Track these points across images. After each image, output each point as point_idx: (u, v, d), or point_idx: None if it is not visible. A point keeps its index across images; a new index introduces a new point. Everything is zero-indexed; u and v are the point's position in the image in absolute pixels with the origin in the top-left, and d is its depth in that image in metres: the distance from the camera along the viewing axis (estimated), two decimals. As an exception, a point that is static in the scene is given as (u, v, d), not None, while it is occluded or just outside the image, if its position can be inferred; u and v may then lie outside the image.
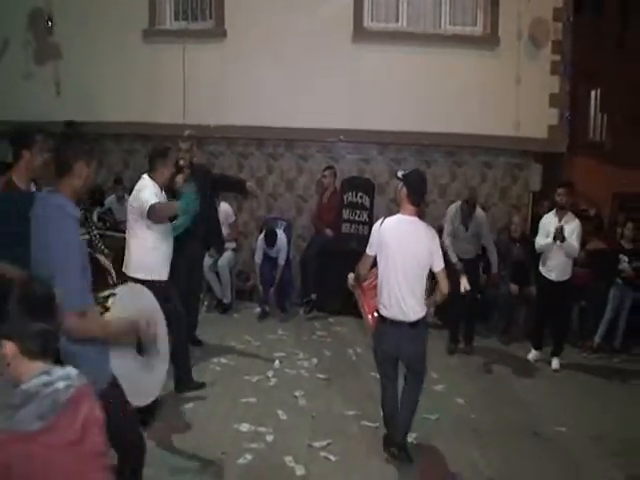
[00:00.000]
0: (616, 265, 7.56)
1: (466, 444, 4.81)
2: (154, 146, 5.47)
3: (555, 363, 6.91)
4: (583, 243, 8.13)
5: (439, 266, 4.34)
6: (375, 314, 4.55)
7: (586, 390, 6.32)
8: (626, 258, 7.53)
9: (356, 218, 8.37)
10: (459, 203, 7.24)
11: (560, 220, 6.72)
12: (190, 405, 5.23)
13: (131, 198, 5.01)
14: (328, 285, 7.93)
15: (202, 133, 8.56)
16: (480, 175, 8.75)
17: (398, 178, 4.44)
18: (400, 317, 4.25)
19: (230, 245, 8.18)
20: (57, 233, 2.60)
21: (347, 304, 6.90)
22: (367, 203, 8.38)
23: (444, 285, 4.34)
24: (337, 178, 8.61)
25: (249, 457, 4.42)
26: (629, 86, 11.85)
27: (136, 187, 5.00)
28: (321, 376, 6.06)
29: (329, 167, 8.61)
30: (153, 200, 4.76)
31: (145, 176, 5.03)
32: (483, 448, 4.77)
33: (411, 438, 4.73)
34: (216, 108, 8.54)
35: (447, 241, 6.90)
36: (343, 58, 8.51)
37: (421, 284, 4.31)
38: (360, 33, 8.60)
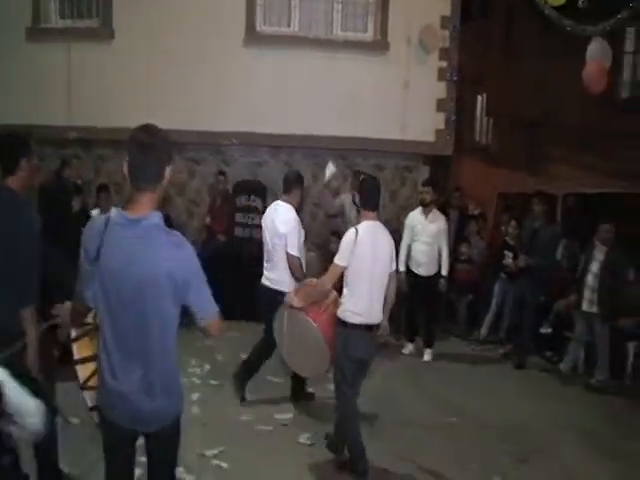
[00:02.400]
0: (501, 260, 7.93)
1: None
2: (290, 171, 5.89)
3: (427, 354, 7.18)
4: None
5: (393, 267, 4.50)
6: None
7: (474, 380, 6.61)
8: (510, 254, 7.89)
9: (249, 222, 8.34)
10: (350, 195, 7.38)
11: (426, 217, 6.98)
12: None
13: (275, 222, 5.18)
14: (221, 289, 7.71)
15: (88, 136, 8.30)
16: (372, 178, 8.93)
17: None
18: (371, 321, 4.34)
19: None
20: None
21: (240, 308, 6.82)
22: (260, 206, 8.31)
23: (394, 285, 4.54)
24: (229, 181, 8.56)
25: (139, 470, 4.28)
26: (513, 90, 12.43)
27: (274, 212, 5.26)
28: (214, 382, 5.95)
29: (221, 172, 8.55)
30: (295, 239, 5.13)
31: (280, 202, 5.30)
32: (375, 442, 4.76)
33: (303, 439, 4.83)
34: (103, 110, 8.22)
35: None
36: (235, 61, 8.49)
37: (384, 288, 4.41)
38: (252, 37, 8.59)
